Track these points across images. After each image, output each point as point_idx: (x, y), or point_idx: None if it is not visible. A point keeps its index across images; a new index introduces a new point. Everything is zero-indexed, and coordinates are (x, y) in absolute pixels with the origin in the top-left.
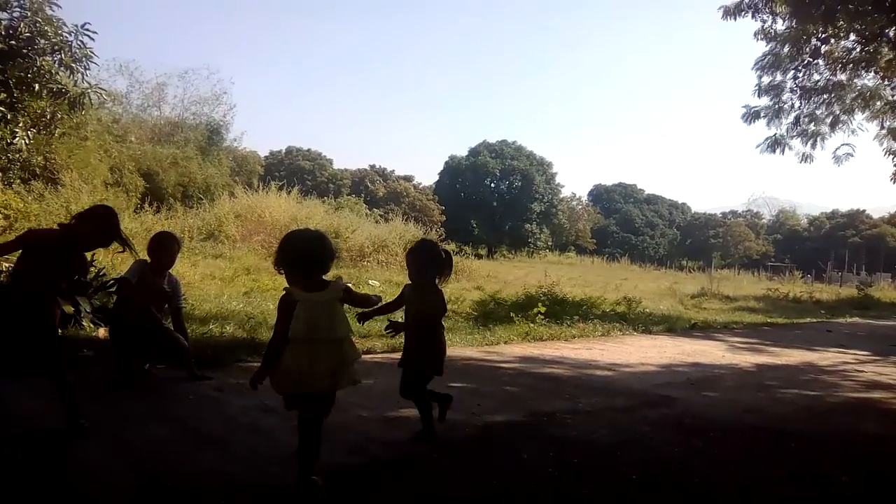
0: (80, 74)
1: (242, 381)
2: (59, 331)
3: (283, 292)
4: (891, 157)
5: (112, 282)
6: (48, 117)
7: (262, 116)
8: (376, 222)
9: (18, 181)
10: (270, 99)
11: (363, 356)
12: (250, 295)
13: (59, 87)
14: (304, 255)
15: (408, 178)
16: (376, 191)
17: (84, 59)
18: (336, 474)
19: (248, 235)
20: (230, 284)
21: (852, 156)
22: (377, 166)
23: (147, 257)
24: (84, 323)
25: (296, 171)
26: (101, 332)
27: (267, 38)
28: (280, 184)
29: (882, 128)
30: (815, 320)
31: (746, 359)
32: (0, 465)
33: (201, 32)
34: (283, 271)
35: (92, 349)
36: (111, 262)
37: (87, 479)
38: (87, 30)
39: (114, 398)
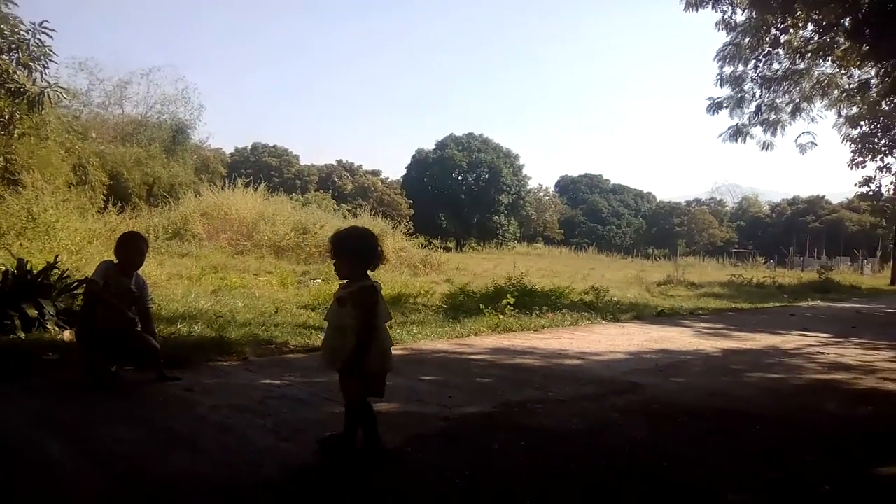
0: (38, 73)
1: (212, 382)
2: (23, 334)
3: (368, 284)
4: (848, 143)
5: (77, 283)
6: (6, 117)
7: (228, 113)
8: (344, 217)
9: None
10: (235, 95)
11: None
12: (218, 293)
13: (17, 86)
14: (374, 247)
15: (375, 173)
16: (344, 186)
17: (42, 57)
18: (310, 471)
19: (214, 233)
20: (197, 283)
21: (815, 144)
22: (344, 161)
23: (113, 258)
24: (49, 326)
25: (262, 167)
26: (67, 334)
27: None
28: (246, 181)
29: (840, 115)
30: (778, 305)
31: (712, 344)
32: None
33: (166, 30)
34: (342, 261)
35: (57, 352)
36: (75, 265)
37: (55, 482)
38: (45, 28)
39: (81, 401)
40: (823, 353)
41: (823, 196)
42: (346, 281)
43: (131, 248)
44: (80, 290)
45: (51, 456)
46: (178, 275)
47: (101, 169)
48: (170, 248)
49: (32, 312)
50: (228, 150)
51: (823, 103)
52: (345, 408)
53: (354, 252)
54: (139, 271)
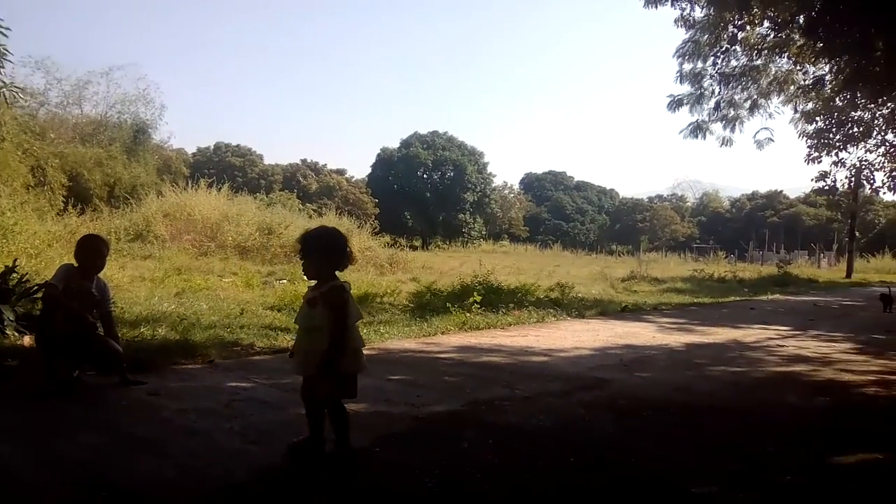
0: None
1: (177, 385)
2: None
3: (338, 284)
4: (805, 139)
5: (37, 287)
6: None
7: (190, 112)
8: (310, 217)
9: None
10: (198, 94)
11: None
12: (182, 295)
13: None
14: (343, 246)
15: (340, 172)
16: (309, 185)
17: None
18: (278, 473)
19: (177, 235)
20: (161, 285)
21: (772, 140)
22: (309, 160)
23: (73, 261)
24: (7, 331)
25: (225, 167)
26: (27, 340)
27: (194, 34)
28: (209, 181)
29: (796, 111)
30: (739, 299)
31: (676, 339)
32: None
33: (125, 29)
34: (311, 261)
35: (17, 358)
36: (35, 268)
37: (16, 492)
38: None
39: (43, 408)
40: (783, 346)
41: (781, 191)
42: (314, 282)
43: (91, 251)
44: (39, 295)
45: (11, 465)
46: (140, 277)
47: (60, 170)
48: (132, 251)
49: None
50: (191, 150)
51: (780, 99)
52: (306, 411)
53: (323, 252)
54: (100, 274)
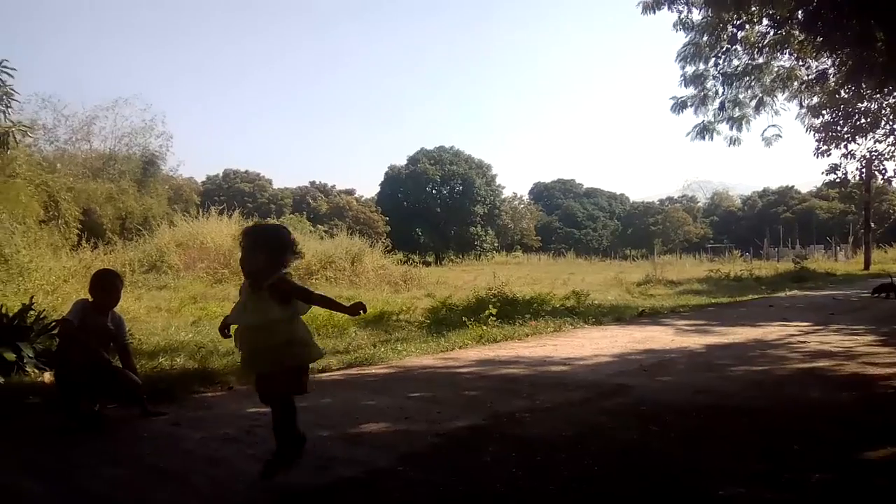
0: (1, 114)
1: (198, 414)
2: (2, 379)
3: (281, 273)
4: (812, 133)
5: (55, 324)
6: None
7: (197, 141)
8: (321, 238)
9: None
10: (204, 123)
11: (320, 375)
12: (198, 324)
13: None
14: (291, 242)
15: (349, 192)
16: (319, 207)
17: (4, 97)
18: (303, 495)
19: (191, 263)
20: (177, 315)
21: (780, 136)
22: (318, 182)
23: (88, 296)
24: (28, 369)
25: (235, 194)
26: (47, 376)
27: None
28: (220, 208)
29: (801, 106)
30: (756, 297)
31: (695, 340)
32: None
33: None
34: (260, 256)
35: (38, 395)
36: (52, 305)
37: None
38: (5, 68)
39: (66, 443)
40: (805, 342)
41: (793, 186)
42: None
43: (105, 285)
44: (57, 331)
45: (36, 501)
46: (157, 308)
47: (72, 203)
48: (147, 282)
49: (10, 356)
50: (200, 178)
51: (785, 95)
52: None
53: (274, 248)
54: (116, 307)
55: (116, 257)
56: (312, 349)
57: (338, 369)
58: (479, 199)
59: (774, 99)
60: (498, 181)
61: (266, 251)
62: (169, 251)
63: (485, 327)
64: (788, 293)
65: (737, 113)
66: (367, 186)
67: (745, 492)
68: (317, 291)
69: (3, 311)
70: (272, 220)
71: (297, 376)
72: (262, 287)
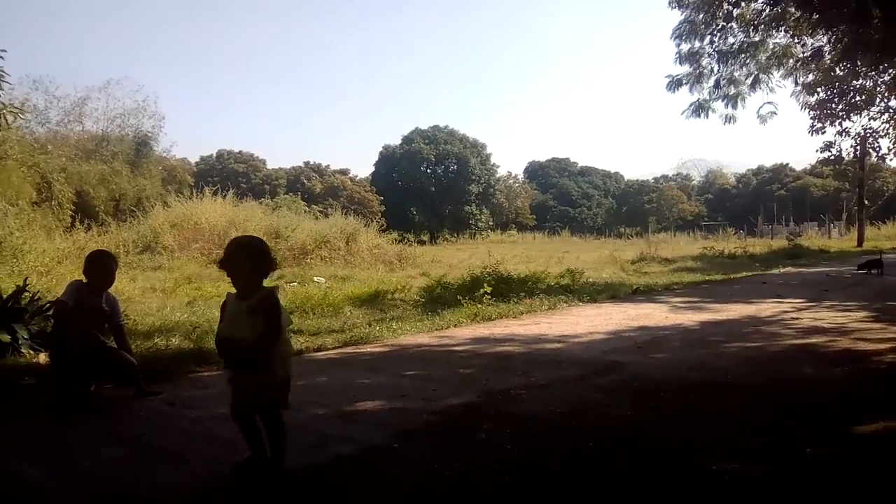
0: None
1: (193, 393)
2: None
3: (269, 290)
4: (807, 110)
5: (49, 305)
6: None
7: (190, 122)
8: (316, 219)
9: None
10: (196, 102)
11: (316, 354)
12: (193, 304)
13: None
14: (268, 252)
15: (344, 172)
16: (313, 187)
17: None
18: (296, 475)
19: (185, 244)
20: (172, 295)
21: (776, 114)
22: (312, 162)
23: (83, 277)
24: (23, 350)
25: (229, 174)
26: (42, 357)
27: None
28: (214, 189)
29: (797, 84)
30: (750, 274)
31: (689, 318)
32: None
33: (119, 42)
34: (244, 269)
35: (33, 376)
36: (46, 286)
37: None
38: None
39: (62, 424)
40: (798, 319)
41: (787, 164)
42: (235, 292)
43: (99, 267)
44: (52, 312)
45: (33, 482)
46: (151, 288)
47: (66, 184)
48: (141, 262)
49: (5, 338)
50: (194, 159)
51: (780, 73)
52: (241, 427)
53: (256, 259)
54: (111, 288)
55: (110, 238)
56: (287, 366)
57: (333, 348)
58: (473, 178)
59: (770, 76)
60: (493, 160)
61: (251, 264)
62: (163, 232)
63: (480, 305)
64: (782, 270)
65: (732, 90)
66: (362, 166)
67: (739, 467)
68: (277, 336)
69: None
70: (266, 202)
71: (282, 388)
72: (253, 302)
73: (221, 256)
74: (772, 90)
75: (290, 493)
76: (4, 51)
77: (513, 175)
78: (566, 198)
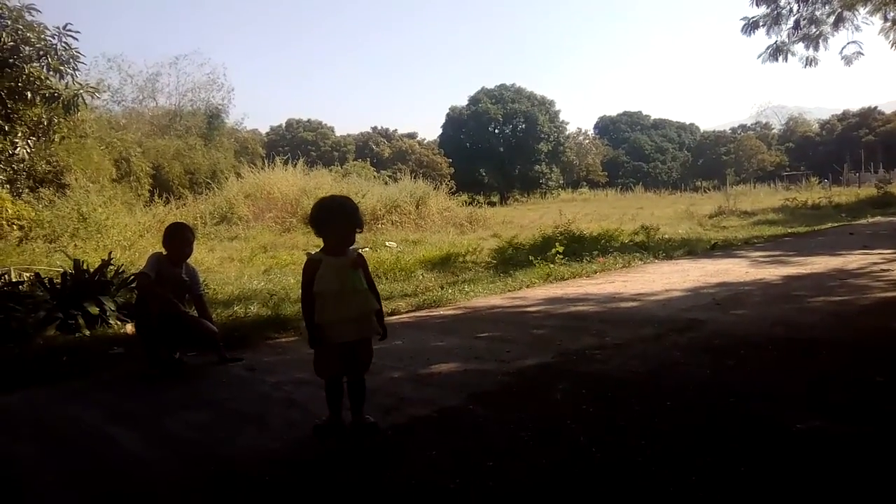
0: (69, 76)
1: (272, 359)
2: (88, 332)
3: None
4: None
5: (133, 277)
6: (45, 123)
7: (258, 93)
8: (385, 183)
9: (27, 190)
10: (265, 74)
11: (389, 318)
12: (270, 272)
13: (51, 91)
14: (353, 210)
15: (411, 136)
16: (382, 152)
17: (71, 60)
18: (374, 438)
19: (259, 214)
20: (249, 264)
21: (862, 54)
22: (379, 128)
23: (163, 249)
24: (111, 321)
25: (299, 143)
26: (129, 327)
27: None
28: (284, 158)
29: (886, 20)
30: (836, 225)
31: (771, 272)
32: (53, 462)
33: (186, 17)
34: (341, 229)
35: (122, 346)
36: (129, 259)
37: (132, 467)
38: (70, 31)
39: (149, 390)
40: (888, 271)
41: (876, 107)
42: (313, 255)
43: (178, 238)
44: (135, 284)
45: (123, 444)
46: (229, 258)
47: (143, 159)
48: (218, 233)
49: (94, 310)
50: (264, 129)
51: (867, 9)
52: (356, 382)
53: (353, 216)
54: (189, 259)
55: (188, 211)
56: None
57: (406, 312)
58: (542, 136)
59: (855, 13)
60: (561, 117)
61: (344, 223)
62: (238, 203)
63: (552, 265)
64: (871, 220)
65: (813, 31)
66: (429, 129)
67: (821, 425)
68: (376, 290)
69: (84, 267)
70: (336, 169)
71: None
72: (347, 254)
73: (314, 214)
74: (857, 28)
75: (369, 454)
76: (78, 31)
77: (583, 131)
78: (639, 152)
